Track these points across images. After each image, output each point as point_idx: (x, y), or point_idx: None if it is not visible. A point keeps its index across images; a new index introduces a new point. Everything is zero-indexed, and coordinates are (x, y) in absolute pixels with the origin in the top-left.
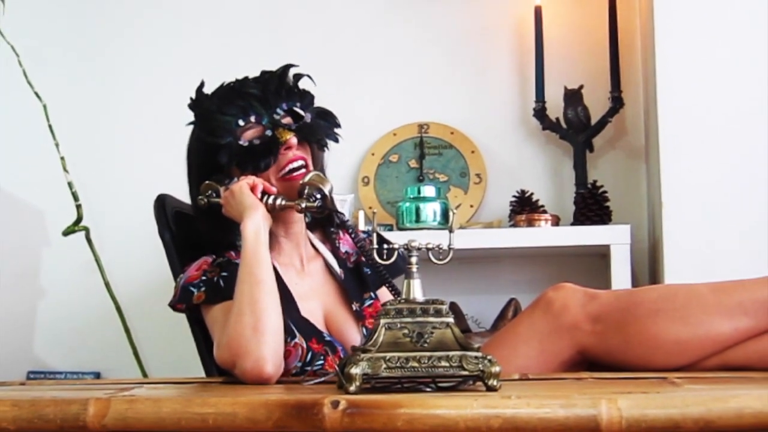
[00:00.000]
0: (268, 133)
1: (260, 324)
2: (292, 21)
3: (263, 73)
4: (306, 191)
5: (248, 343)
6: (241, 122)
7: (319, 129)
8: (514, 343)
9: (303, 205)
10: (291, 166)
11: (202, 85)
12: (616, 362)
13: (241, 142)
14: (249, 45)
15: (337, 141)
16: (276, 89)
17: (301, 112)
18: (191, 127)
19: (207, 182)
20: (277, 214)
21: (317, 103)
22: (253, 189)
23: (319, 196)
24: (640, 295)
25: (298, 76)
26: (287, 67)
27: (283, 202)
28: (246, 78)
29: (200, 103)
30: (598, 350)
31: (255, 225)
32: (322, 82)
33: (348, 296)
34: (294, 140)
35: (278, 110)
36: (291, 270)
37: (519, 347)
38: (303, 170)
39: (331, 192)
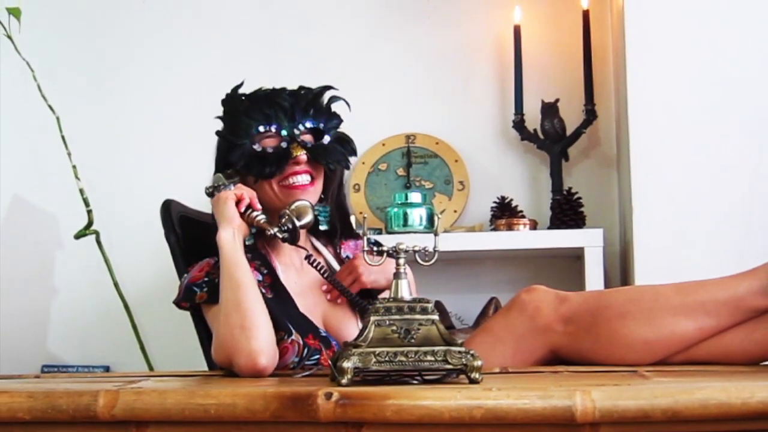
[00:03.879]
0: (283, 144)
1: (246, 321)
2: (289, 40)
3: (300, 87)
4: (283, 219)
5: (238, 341)
6: (261, 128)
7: (332, 153)
8: (491, 342)
9: (272, 231)
10: (294, 179)
11: (240, 85)
12: (587, 361)
13: (255, 147)
14: (248, 64)
15: (347, 167)
16: (305, 106)
17: (323, 133)
18: (197, 133)
19: (218, 174)
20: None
21: None
22: (240, 200)
23: (290, 226)
24: (609, 297)
25: (333, 99)
26: (325, 88)
27: (261, 221)
28: (283, 89)
29: (232, 102)
30: (569, 350)
31: (228, 235)
32: None
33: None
34: (304, 157)
35: (300, 126)
36: (291, 269)
37: (496, 346)
38: (306, 183)
39: (306, 225)
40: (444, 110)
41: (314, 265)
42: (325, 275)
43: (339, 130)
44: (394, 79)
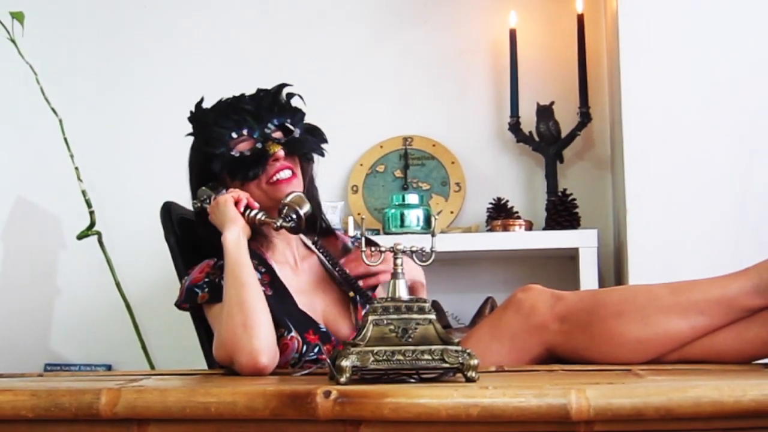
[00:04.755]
0: (259, 145)
1: (249, 321)
2: (289, 44)
3: (259, 90)
4: (285, 211)
5: (240, 339)
6: (234, 135)
7: (306, 143)
8: (487, 340)
9: (278, 224)
10: (278, 175)
11: (201, 100)
12: (582, 359)
13: (233, 153)
14: (248, 68)
15: (322, 155)
16: (269, 106)
17: (291, 128)
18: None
19: (202, 188)
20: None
21: (312, 119)
22: (238, 202)
23: (294, 216)
24: (603, 296)
25: (290, 95)
26: (281, 86)
27: (263, 218)
28: (243, 95)
29: (199, 116)
30: (564, 348)
31: (233, 236)
32: (315, 100)
33: (345, 291)
34: (281, 153)
35: (269, 125)
36: (286, 267)
37: (492, 345)
38: (290, 177)
39: (306, 214)
40: (441, 113)
41: (321, 250)
42: (331, 262)
43: (305, 122)
44: (392, 82)
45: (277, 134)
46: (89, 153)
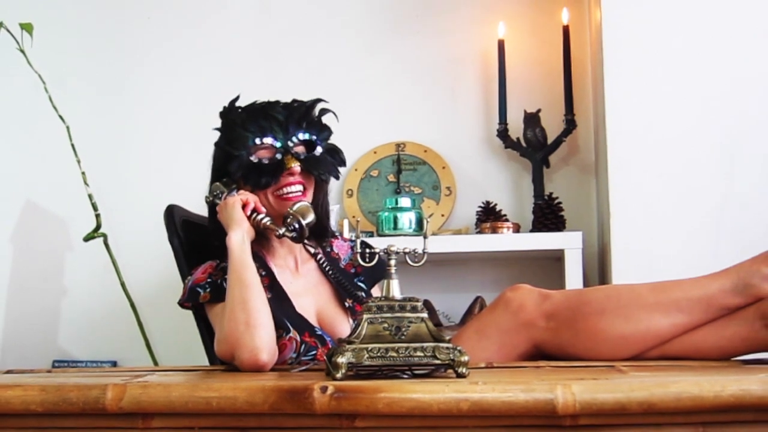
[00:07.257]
0: (278, 156)
1: (251, 319)
2: (286, 53)
3: (293, 101)
4: (289, 219)
5: (242, 336)
6: (257, 140)
7: (324, 164)
8: (477, 337)
9: (281, 232)
10: (288, 189)
11: (236, 98)
12: (567, 355)
13: (251, 158)
14: (248, 75)
15: (337, 178)
16: (299, 119)
17: (315, 144)
18: (199, 141)
19: (216, 184)
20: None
21: None
22: (246, 205)
23: (297, 226)
24: (588, 295)
25: (323, 111)
26: (316, 101)
27: (268, 223)
28: (277, 101)
29: (229, 114)
30: (551, 344)
31: (238, 238)
32: None
33: (340, 294)
34: (297, 168)
35: (294, 138)
36: (286, 271)
37: (481, 341)
38: (299, 194)
39: (309, 224)
40: (432, 120)
41: (322, 264)
42: (332, 274)
43: (329, 141)
44: (386, 91)
45: (299, 149)
46: (95, 158)
